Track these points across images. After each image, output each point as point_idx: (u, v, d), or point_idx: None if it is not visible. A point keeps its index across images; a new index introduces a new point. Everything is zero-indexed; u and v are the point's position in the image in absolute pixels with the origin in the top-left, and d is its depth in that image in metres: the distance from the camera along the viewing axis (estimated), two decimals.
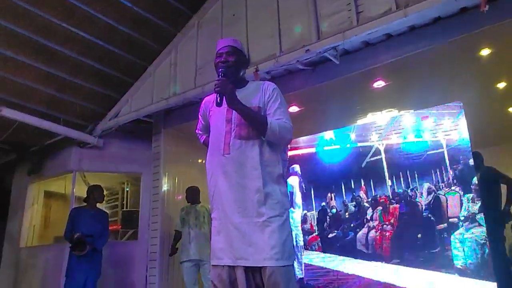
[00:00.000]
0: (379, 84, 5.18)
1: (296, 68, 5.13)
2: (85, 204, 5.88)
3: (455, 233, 4.90)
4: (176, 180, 6.67)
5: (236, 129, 2.35)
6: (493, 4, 3.75)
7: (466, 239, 4.77)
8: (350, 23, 4.47)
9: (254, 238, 2.18)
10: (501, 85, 5.46)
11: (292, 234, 2.28)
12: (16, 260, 7.31)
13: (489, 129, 6.37)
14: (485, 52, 4.61)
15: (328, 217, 6.22)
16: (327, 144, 6.43)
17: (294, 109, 5.73)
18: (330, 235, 6.11)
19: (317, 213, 6.34)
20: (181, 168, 6.79)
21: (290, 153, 6.62)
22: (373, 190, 5.84)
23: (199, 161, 6.94)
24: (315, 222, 6.30)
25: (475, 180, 4.87)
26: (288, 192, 5.76)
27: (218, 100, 2.28)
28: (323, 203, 6.32)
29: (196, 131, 2.74)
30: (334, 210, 6.18)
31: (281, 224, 2.22)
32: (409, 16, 4.04)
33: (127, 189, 8.27)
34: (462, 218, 4.87)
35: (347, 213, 6.05)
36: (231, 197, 2.28)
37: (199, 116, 2.67)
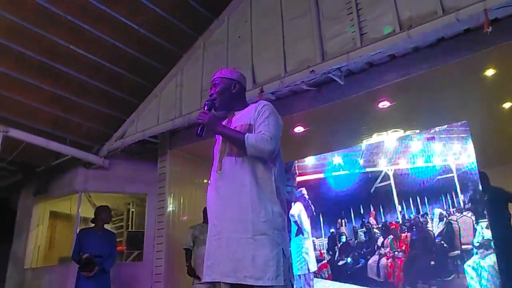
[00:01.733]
0: (384, 104, 5.19)
1: (301, 88, 5.15)
2: (93, 225, 5.88)
3: (470, 260, 4.77)
4: (182, 201, 6.65)
5: (228, 147, 2.42)
6: (496, 25, 3.77)
7: (483, 267, 4.65)
8: (354, 44, 4.50)
9: (238, 254, 2.18)
10: (507, 105, 5.45)
11: (282, 256, 2.21)
12: (21, 281, 7.26)
13: (496, 149, 6.34)
14: (489, 72, 4.61)
15: (338, 244, 6.13)
16: (335, 170, 6.40)
17: (299, 129, 5.74)
18: (340, 263, 5.98)
19: (326, 240, 6.23)
20: (187, 188, 6.78)
21: (298, 178, 6.59)
22: (382, 216, 5.74)
23: (205, 181, 6.92)
24: (325, 249, 6.20)
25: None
26: (293, 222, 5.73)
27: (198, 131, 2.40)
28: (332, 230, 6.22)
29: None
30: (343, 238, 6.07)
31: (267, 243, 2.18)
32: (413, 37, 4.08)
33: (133, 210, 8.25)
34: (477, 245, 4.74)
35: (357, 240, 5.95)
36: (220, 212, 2.32)
37: None
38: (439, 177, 5.33)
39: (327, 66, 4.65)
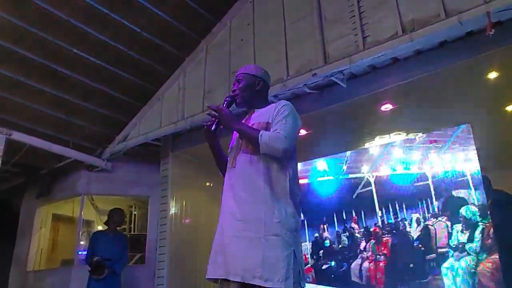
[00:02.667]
0: (387, 107, 5.18)
1: (303, 92, 5.15)
2: (106, 227, 5.92)
3: (445, 262, 4.99)
4: (184, 204, 6.64)
5: (244, 145, 2.39)
6: (499, 27, 3.76)
7: (457, 269, 4.86)
8: (357, 47, 4.49)
9: (249, 253, 2.14)
10: (510, 107, 5.44)
11: (293, 258, 2.17)
12: (23, 284, 7.28)
13: (500, 152, 6.31)
14: (492, 75, 4.60)
15: (322, 248, 6.26)
16: (320, 175, 6.51)
17: (302, 132, 5.73)
18: (324, 266, 6.13)
19: (310, 244, 6.37)
20: (189, 191, 6.78)
21: None
22: (363, 221, 5.92)
23: (207, 184, 6.93)
24: (309, 253, 6.32)
25: (461, 211, 4.99)
26: None
27: (212, 128, 2.40)
28: (316, 234, 6.36)
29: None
30: (327, 242, 6.21)
31: (279, 244, 2.16)
32: (415, 41, 4.06)
33: (135, 213, 8.26)
34: (453, 246, 4.97)
35: (340, 245, 6.10)
36: (232, 210, 2.28)
37: None
38: (416, 184, 5.55)
39: (329, 69, 4.64)
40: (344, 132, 5.91)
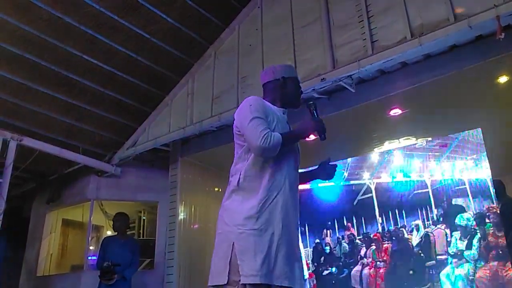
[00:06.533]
0: (396, 112, 5.16)
1: (311, 96, 5.13)
2: (116, 233, 5.96)
3: (445, 269, 5.05)
4: (193, 209, 6.64)
5: (299, 155, 2.60)
6: (509, 31, 3.74)
7: (457, 276, 4.93)
8: (365, 52, 4.49)
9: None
10: None
11: None
12: None
13: (510, 157, 6.25)
14: (502, 79, 4.57)
15: (322, 254, 6.31)
16: (321, 181, 6.52)
17: (310, 137, 5.71)
18: (325, 273, 6.18)
19: (311, 250, 6.40)
20: (198, 196, 6.78)
21: None
22: (364, 228, 5.98)
23: (216, 189, 6.93)
24: (310, 259, 6.35)
25: (457, 220, 5.09)
26: None
27: (323, 135, 2.58)
28: (317, 240, 6.40)
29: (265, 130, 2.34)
30: (328, 248, 6.27)
31: None
32: (424, 45, 4.05)
33: (144, 218, 8.28)
34: (452, 253, 5.05)
35: (341, 250, 6.17)
36: (294, 214, 2.34)
37: (262, 115, 2.43)
38: (416, 191, 5.65)
39: (338, 74, 4.64)
40: (352, 138, 5.88)
